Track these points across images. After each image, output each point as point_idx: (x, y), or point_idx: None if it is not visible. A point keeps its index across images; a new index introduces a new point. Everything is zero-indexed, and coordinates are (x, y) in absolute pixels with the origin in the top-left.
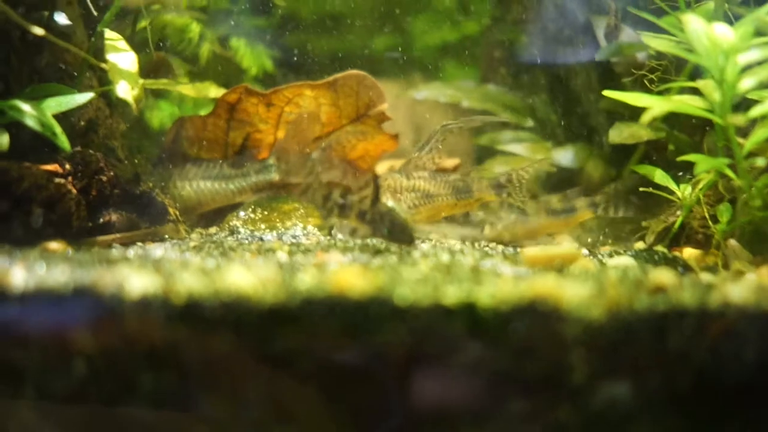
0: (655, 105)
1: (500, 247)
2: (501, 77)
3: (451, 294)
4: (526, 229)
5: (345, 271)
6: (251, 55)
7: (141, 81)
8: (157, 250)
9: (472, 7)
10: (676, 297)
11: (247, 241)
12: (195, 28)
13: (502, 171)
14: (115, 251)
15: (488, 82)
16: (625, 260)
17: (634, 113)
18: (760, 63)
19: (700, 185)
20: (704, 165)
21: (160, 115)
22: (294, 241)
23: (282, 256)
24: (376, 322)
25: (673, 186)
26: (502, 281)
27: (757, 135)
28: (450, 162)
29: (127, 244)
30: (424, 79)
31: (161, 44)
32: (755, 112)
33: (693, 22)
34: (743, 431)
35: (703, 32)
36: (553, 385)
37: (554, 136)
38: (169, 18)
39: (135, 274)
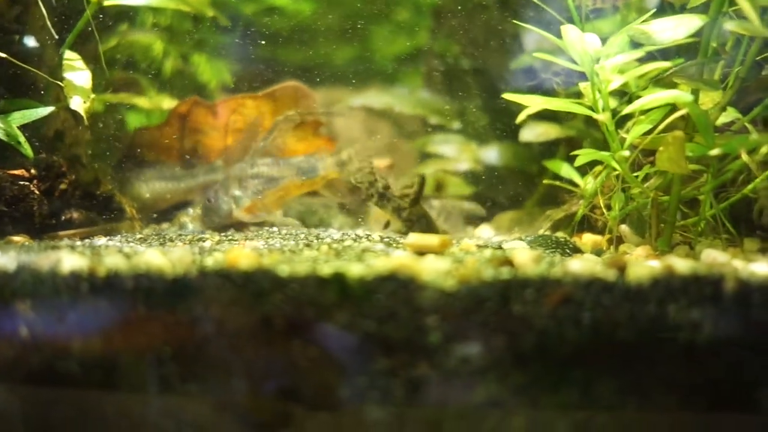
0: (537, 105)
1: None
2: (438, 83)
3: (327, 268)
4: (277, 194)
5: (243, 252)
6: (211, 70)
7: (93, 96)
8: (102, 240)
9: (415, 21)
10: (522, 270)
11: (190, 234)
12: (158, 46)
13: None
14: (68, 242)
15: (429, 88)
16: (518, 244)
17: (555, 113)
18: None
19: (598, 178)
20: (583, 158)
21: (130, 124)
22: (230, 233)
23: (208, 243)
24: (259, 290)
25: (577, 178)
26: (377, 259)
27: (635, 131)
28: (382, 162)
29: (84, 238)
30: (385, 86)
31: (127, 61)
32: (625, 110)
33: (570, 32)
34: (578, 385)
35: (578, 41)
36: (412, 344)
37: (485, 136)
38: (136, 37)
39: (69, 256)
